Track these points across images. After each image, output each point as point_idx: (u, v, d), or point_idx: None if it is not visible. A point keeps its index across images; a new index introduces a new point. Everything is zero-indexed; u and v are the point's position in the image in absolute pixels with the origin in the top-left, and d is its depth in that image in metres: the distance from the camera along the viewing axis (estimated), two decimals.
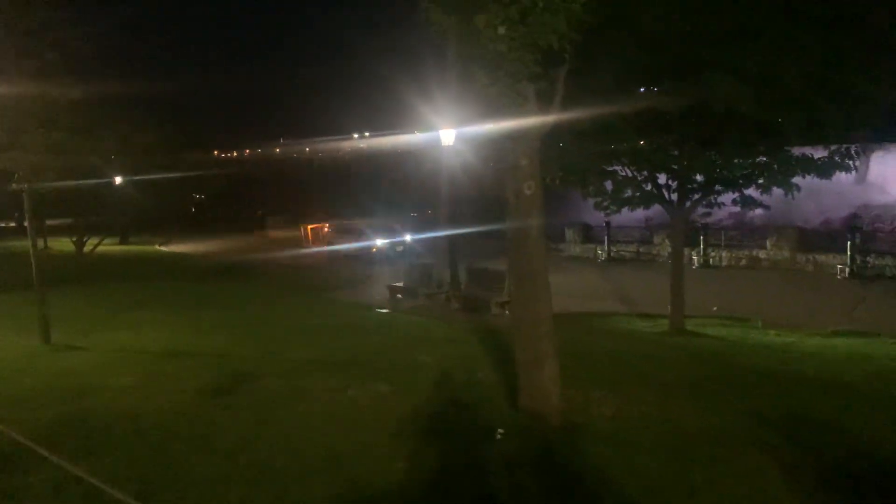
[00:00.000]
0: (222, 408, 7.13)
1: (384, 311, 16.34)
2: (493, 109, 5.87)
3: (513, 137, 5.94)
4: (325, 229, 34.78)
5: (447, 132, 15.79)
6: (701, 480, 4.89)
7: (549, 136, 10.07)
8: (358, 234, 30.55)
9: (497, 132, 6.12)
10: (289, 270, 28.35)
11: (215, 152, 74.24)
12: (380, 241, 29.02)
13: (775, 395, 7.53)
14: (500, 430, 6.06)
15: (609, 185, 13.05)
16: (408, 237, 29.89)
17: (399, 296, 18.55)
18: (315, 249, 33.31)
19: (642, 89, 11.72)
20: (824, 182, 12.66)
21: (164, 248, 42.74)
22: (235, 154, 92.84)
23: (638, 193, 12.91)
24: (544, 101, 6.11)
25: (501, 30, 5.32)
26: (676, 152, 12.29)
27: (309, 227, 36.03)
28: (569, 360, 8.61)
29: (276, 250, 34.71)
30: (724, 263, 24.78)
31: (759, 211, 14.31)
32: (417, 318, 14.83)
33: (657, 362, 9.76)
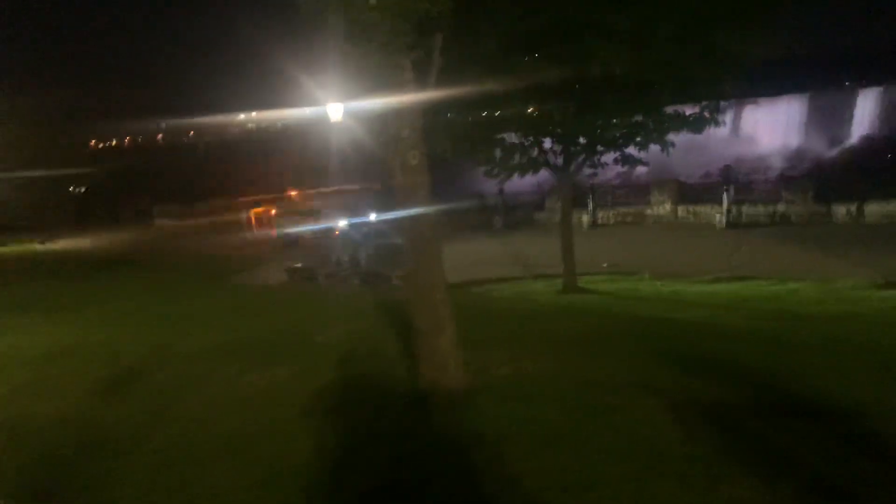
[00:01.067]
0: (114, 406, 6.84)
1: (283, 293, 16.08)
2: (372, 81, 5.83)
3: (394, 108, 5.92)
4: (272, 212, 30.56)
5: (335, 107, 15.56)
6: (597, 427, 5.10)
7: (437, 106, 10.18)
8: (315, 215, 26.87)
9: (379, 104, 6.08)
10: (185, 260, 27.27)
11: (92, 142, 70.16)
12: (342, 223, 25.64)
13: (664, 342, 7.95)
14: (403, 400, 6.12)
15: (498, 152, 13.26)
16: (372, 216, 26.56)
17: (299, 277, 18.29)
18: (260, 235, 29.50)
19: (525, 57, 11.93)
20: (702, 137, 13.41)
21: (43, 247, 40.20)
22: (115, 143, 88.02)
23: (525, 159, 13.20)
24: (423, 71, 6.10)
25: (372, 0, 5.27)
26: (559, 117, 12.61)
27: (252, 210, 31.82)
28: (469, 325, 8.75)
29: (166, 240, 33.25)
30: (613, 221, 25.78)
31: (643, 169, 14.95)
32: (317, 297, 14.67)
33: (554, 320, 10.08)
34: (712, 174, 37.29)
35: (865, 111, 55.87)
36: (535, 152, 13.32)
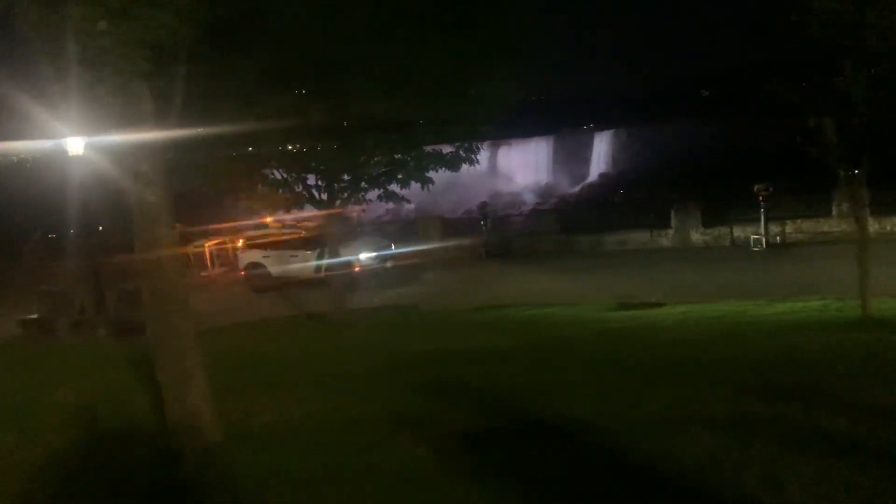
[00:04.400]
0: None
1: (15, 350, 14.14)
2: (106, 110, 5.33)
3: (131, 140, 5.45)
4: (239, 245, 21.88)
5: (75, 140, 14.23)
6: (358, 468, 5.01)
7: (189, 140, 9.62)
8: (314, 247, 19.31)
9: (118, 136, 5.58)
10: None
11: None
12: (363, 255, 19.50)
13: (427, 373, 8.08)
14: (152, 460, 5.58)
15: (260, 188, 12.88)
16: (392, 247, 21.34)
17: (35, 330, 16.15)
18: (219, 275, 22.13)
19: (284, 93, 11.73)
20: (465, 175, 14.11)
21: None
22: None
23: (287, 194, 12.96)
24: (166, 102, 5.70)
25: (102, 24, 4.84)
26: (322, 154, 12.56)
27: (207, 245, 23.12)
28: (229, 371, 8.34)
29: None
30: None
31: (411, 206, 15.35)
32: (56, 351, 13.11)
33: (321, 359, 9.92)
34: (473, 210, 39.59)
35: (601, 151, 63.04)
36: (299, 188, 13.13)
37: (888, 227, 19.57)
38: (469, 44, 11.11)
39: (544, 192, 58.90)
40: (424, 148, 12.91)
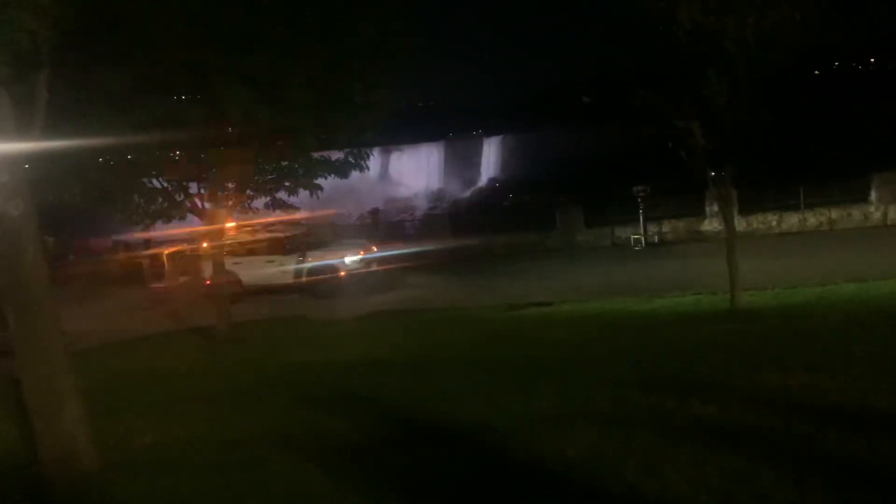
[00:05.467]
0: None
1: None
2: None
3: None
4: (202, 250, 18.69)
5: None
6: (247, 486, 4.86)
7: (61, 150, 9.02)
8: (295, 251, 17.87)
9: None
10: None
11: None
12: (348, 259, 18.14)
13: (314, 387, 7.95)
14: (21, 493, 5.19)
15: (137, 198, 12.24)
16: (374, 249, 19.63)
17: None
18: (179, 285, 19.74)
19: (161, 99, 11.25)
20: (358, 181, 13.95)
21: None
22: None
23: (167, 204, 12.41)
24: (26, 109, 5.33)
25: None
26: (204, 160, 12.13)
27: (164, 252, 20.57)
28: (109, 391, 7.91)
29: None
30: None
31: (303, 212, 15.00)
32: None
33: (206, 375, 9.59)
34: (367, 216, 39.37)
35: (490, 157, 64.44)
36: (181, 197, 12.60)
37: (755, 224, 20.98)
38: (349, 51, 11.01)
39: (436, 197, 59.48)
40: (313, 154, 12.71)
